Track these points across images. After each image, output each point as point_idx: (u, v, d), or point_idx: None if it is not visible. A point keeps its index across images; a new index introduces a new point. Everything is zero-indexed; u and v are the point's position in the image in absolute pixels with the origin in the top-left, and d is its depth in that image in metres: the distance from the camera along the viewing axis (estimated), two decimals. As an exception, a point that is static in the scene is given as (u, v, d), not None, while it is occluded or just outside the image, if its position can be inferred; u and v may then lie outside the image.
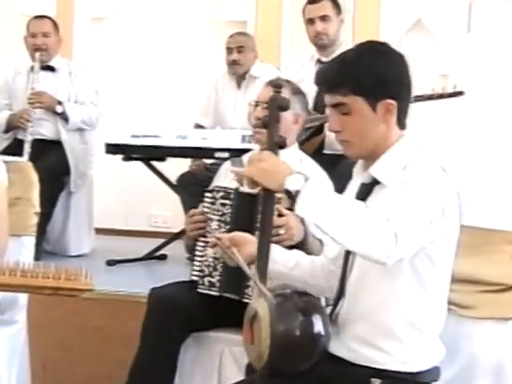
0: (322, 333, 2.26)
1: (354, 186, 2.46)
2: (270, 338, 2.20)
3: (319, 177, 3.29)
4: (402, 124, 2.38)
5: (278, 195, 2.99)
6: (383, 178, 2.33)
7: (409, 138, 2.39)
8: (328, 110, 2.42)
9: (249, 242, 2.53)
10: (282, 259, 2.53)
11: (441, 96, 4.22)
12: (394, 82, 2.32)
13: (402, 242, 2.13)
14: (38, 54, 5.00)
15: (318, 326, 2.25)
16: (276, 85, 2.38)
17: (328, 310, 2.44)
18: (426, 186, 2.22)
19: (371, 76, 2.29)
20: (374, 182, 2.35)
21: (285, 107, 2.37)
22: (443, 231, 2.28)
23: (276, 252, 2.51)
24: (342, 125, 2.34)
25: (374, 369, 2.32)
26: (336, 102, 2.34)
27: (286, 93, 3.32)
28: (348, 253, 2.38)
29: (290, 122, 3.36)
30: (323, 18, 4.58)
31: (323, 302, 2.93)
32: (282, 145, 2.34)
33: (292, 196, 2.18)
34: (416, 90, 4.26)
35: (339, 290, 2.41)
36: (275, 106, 2.35)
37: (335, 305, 2.42)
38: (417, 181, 2.22)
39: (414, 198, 2.19)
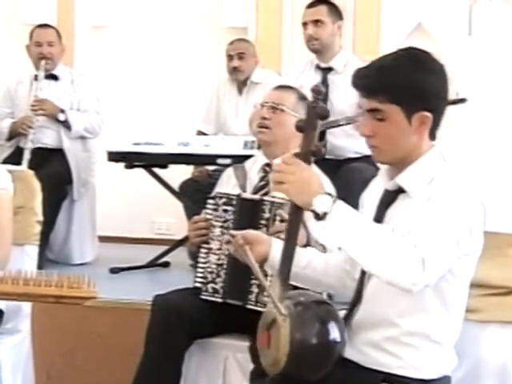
0: (338, 340, 2.24)
1: (377, 188, 2.43)
2: (290, 345, 2.18)
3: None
4: (433, 135, 2.35)
5: (280, 200, 3.01)
6: (409, 188, 2.30)
7: (438, 148, 2.36)
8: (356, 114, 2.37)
9: (261, 240, 2.51)
10: (294, 259, 2.50)
11: None
12: (432, 95, 2.29)
13: (430, 269, 2.10)
14: (43, 62, 5.00)
15: (335, 334, 2.23)
16: (316, 91, 2.27)
17: (342, 313, 2.43)
18: (454, 206, 2.18)
19: (411, 87, 2.26)
20: (399, 191, 2.33)
21: (325, 116, 2.28)
22: (469, 249, 2.26)
23: None
24: (374, 130, 2.31)
25: (385, 373, 2.31)
26: (372, 108, 2.30)
27: (292, 98, 3.33)
28: None
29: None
30: (316, 23, 4.59)
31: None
32: (317, 154, 2.26)
33: (319, 216, 2.15)
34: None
35: (356, 296, 2.39)
36: (314, 114, 2.26)
37: (351, 309, 2.40)
38: (444, 200, 2.19)
39: (442, 220, 2.15)
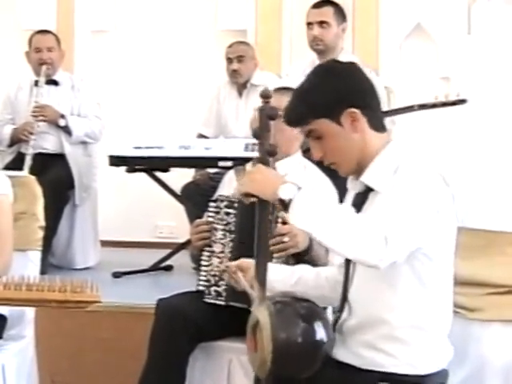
0: (325, 339, 2.29)
1: (350, 197, 2.49)
2: (273, 344, 2.22)
3: (323, 183, 3.29)
4: (378, 127, 2.41)
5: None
6: (375, 184, 2.35)
7: (396, 142, 2.41)
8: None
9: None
10: (282, 278, 2.55)
11: (444, 104, 4.22)
12: (349, 92, 2.38)
13: (393, 244, 2.15)
14: (44, 68, 5.01)
15: (320, 332, 2.28)
16: (264, 95, 2.41)
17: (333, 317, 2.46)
18: (417, 187, 2.24)
19: (323, 95, 2.37)
20: (368, 190, 2.38)
21: (274, 116, 2.39)
22: (438, 230, 2.29)
23: (276, 271, 2.54)
24: (321, 150, 2.41)
25: (381, 373, 2.33)
26: (307, 131, 2.42)
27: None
28: (348, 261, 2.40)
29: (295, 131, 3.36)
30: (322, 24, 4.60)
31: (330, 309, 2.93)
32: (272, 153, 2.38)
33: (286, 205, 2.21)
34: (418, 95, 4.31)
35: (342, 298, 2.43)
36: (265, 116, 2.39)
37: (340, 312, 2.43)
38: (407, 182, 2.25)
39: (404, 199, 2.22)
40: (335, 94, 2.36)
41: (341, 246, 2.18)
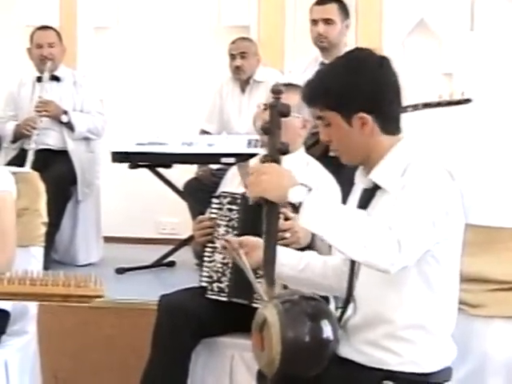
0: (331, 338, 2.26)
1: (356, 192, 2.47)
2: (281, 343, 2.20)
3: (326, 180, 3.29)
4: (391, 131, 2.36)
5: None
6: (384, 183, 2.33)
7: (406, 140, 2.38)
8: None
9: (259, 246, 2.50)
10: (290, 262, 2.53)
11: (449, 103, 4.21)
12: (364, 97, 2.31)
13: (406, 249, 2.13)
14: (49, 64, 5.02)
15: (327, 331, 2.25)
16: (276, 91, 2.35)
17: (337, 313, 2.45)
18: (427, 189, 2.22)
19: (341, 92, 2.31)
20: (376, 187, 2.36)
21: (286, 113, 2.34)
22: (448, 232, 2.28)
23: (285, 255, 2.52)
24: (328, 135, 2.39)
25: (386, 371, 2.32)
26: (317, 115, 2.40)
27: (296, 98, 3.32)
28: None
29: (299, 128, 3.36)
30: (326, 21, 4.59)
31: (333, 305, 2.93)
32: (285, 151, 2.33)
33: (296, 207, 2.19)
34: (421, 91, 4.29)
35: (347, 295, 2.42)
36: (276, 112, 2.33)
37: (344, 309, 2.42)
38: (418, 184, 2.22)
39: (416, 202, 2.19)
40: (352, 94, 2.30)
41: (352, 250, 2.15)
